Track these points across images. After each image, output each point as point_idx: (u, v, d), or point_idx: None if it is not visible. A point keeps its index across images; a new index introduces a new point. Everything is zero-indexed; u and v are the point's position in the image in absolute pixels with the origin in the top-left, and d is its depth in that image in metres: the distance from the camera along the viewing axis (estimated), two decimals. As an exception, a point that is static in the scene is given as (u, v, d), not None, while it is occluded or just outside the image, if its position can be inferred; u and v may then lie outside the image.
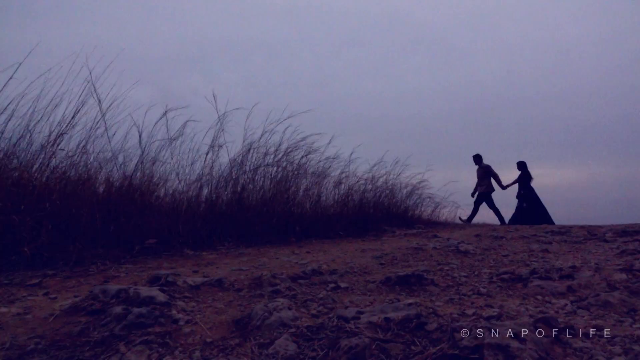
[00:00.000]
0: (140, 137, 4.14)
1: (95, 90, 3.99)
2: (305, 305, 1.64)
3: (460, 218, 10.25)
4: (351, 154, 8.10)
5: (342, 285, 2.03)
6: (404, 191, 9.98)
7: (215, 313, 1.61)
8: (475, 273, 2.46)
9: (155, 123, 4.12)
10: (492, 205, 9.63)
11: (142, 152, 4.08)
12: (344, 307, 1.57)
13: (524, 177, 9.64)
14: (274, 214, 5.28)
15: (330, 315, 1.43)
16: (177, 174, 4.43)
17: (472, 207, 10.25)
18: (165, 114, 4.19)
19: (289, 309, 1.53)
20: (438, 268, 2.63)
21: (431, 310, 1.54)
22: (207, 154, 4.66)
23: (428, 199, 10.58)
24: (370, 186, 8.79)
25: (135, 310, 1.44)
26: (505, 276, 2.24)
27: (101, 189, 3.87)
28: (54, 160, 3.68)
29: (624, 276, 2.13)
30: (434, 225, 8.97)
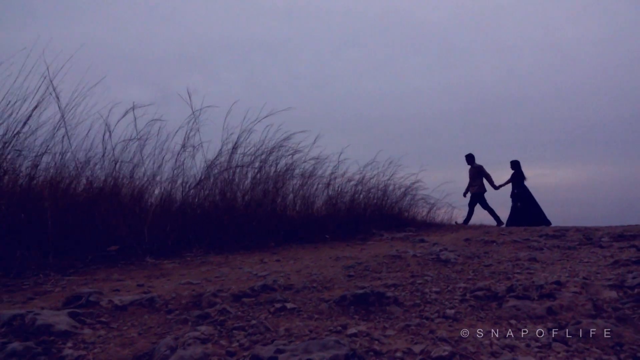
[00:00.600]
0: (104, 136, 3.88)
1: (54, 87, 3.74)
2: (230, 335, 1.38)
3: (456, 222, 9.99)
4: (340, 154, 7.87)
5: (289, 306, 1.77)
6: (398, 192, 9.73)
7: (120, 345, 1.35)
8: (449, 288, 2.20)
9: (117, 122, 3.86)
10: (485, 206, 9.37)
11: (104, 153, 3.82)
12: (271, 340, 1.31)
13: (518, 177, 9.39)
14: (254, 217, 5.03)
15: (246, 354, 1.17)
16: (146, 176, 4.17)
17: (467, 208, 10.00)
18: (129, 110, 3.93)
19: (205, 342, 1.27)
20: (409, 281, 2.37)
21: (375, 344, 1.27)
22: (178, 154, 4.40)
23: (422, 200, 10.31)
24: (360, 187, 8.55)
25: (10, 346, 1.18)
26: (480, 293, 1.98)
27: (59, 192, 3.62)
28: (5, 162, 3.44)
29: (614, 294, 1.87)
30: (427, 227, 8.69)
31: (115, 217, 3.81)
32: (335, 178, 7.59)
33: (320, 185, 7.11)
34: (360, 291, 1.85)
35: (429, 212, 10.61)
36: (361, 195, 8.37)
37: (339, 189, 7.45)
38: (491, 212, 9.34)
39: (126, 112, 3.89)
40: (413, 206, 10.15)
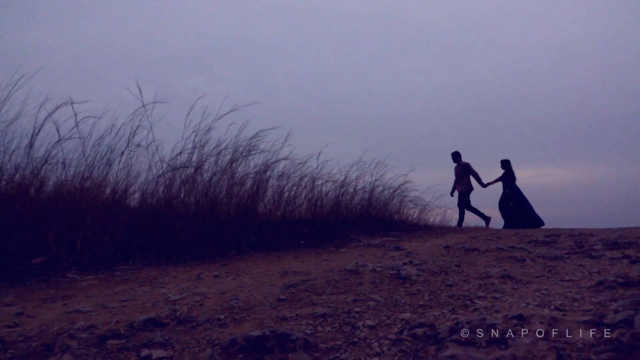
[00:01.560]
0: (32, 135, 3.47)
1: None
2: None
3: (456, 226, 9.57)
4: (319, 154, 7.44)
5: (157, 355, 1.35)
6: (386, 194, 9.28)
7: None
8: (389, 320, 1.77)
9: (45, 119, 3.44)
10: (469, 207, 8.95)
11: (30, 152, 3.40)
12: None
13: (508, 176, 8.96)
14: (214, 223, 4.61)
15: None
16: (82, 177, 3.76)
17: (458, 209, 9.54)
18: (61, 106, 3.51)
19: None
20: (346, 309, 1.94)
21: None
22: (122, 153, 3.98)
23: (412, 202, 9.84)
24: (344, 189, 8.14)
25: None
26: (419, 331, 1.55)
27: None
28: None
29: (587, 335, 1.44)
30: (415, 230, 8.25)
31: (43, 224, 3.40)
32: (314, 179, 7.19)
33: (298, 188, 6.70)
34: (257, 333, 1.42)
35: (420, 213, 10.17)
36: (345, 197, 7.95)
37: (320, 191, 7.02)
38: (476, 212, 8.93)
39: (57, 107, 3.48)
40: (403, 208, 9.72)
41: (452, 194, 9.27)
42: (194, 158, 4.84)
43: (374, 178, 9.01)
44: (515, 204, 8.74)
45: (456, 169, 9.16)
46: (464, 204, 8.97)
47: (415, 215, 10.22)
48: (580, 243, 4.63)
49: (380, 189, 9.12)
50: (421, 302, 2.06)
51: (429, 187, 9.68)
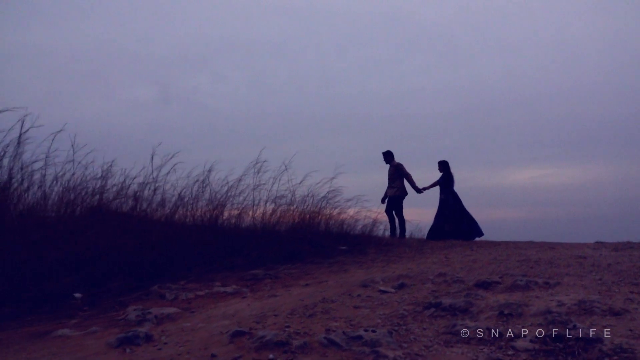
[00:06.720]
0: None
1: None
2: None
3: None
4: (171, 157, 5.33)
5: None
6: (307, 205, 7.05)
7: None
8: None
9: None
10: (400, 214, 7.45)
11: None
12: None
13: (446, 180, 7.24)
14: None
15: None
16: None
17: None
18: None
19: None
20: None
21: None
22: None
23: (354, 218, 7.63)
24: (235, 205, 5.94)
25: None
26: None
27: None
28: None
29: None
30: (325, 256, 5.85)
31: None
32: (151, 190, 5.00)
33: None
34: None
35: (372, 226, 7.97)
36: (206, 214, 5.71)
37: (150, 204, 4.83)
38: (392, 220, 7.53)
39: None
40: (333, 219, 7.49)
41: (383, 200, 7.43)
42: None
43: (289, 184, 6.83)
44: (450, 213, 7.32)
45: (389, 170, 7.37)
46: (396, 209, 7.43)
47: (358, 228, 8.01)
48: (503, 326, 2.40)
49: (288, 197, 6.95)
50: None
51: (352, 194, 7.44)
